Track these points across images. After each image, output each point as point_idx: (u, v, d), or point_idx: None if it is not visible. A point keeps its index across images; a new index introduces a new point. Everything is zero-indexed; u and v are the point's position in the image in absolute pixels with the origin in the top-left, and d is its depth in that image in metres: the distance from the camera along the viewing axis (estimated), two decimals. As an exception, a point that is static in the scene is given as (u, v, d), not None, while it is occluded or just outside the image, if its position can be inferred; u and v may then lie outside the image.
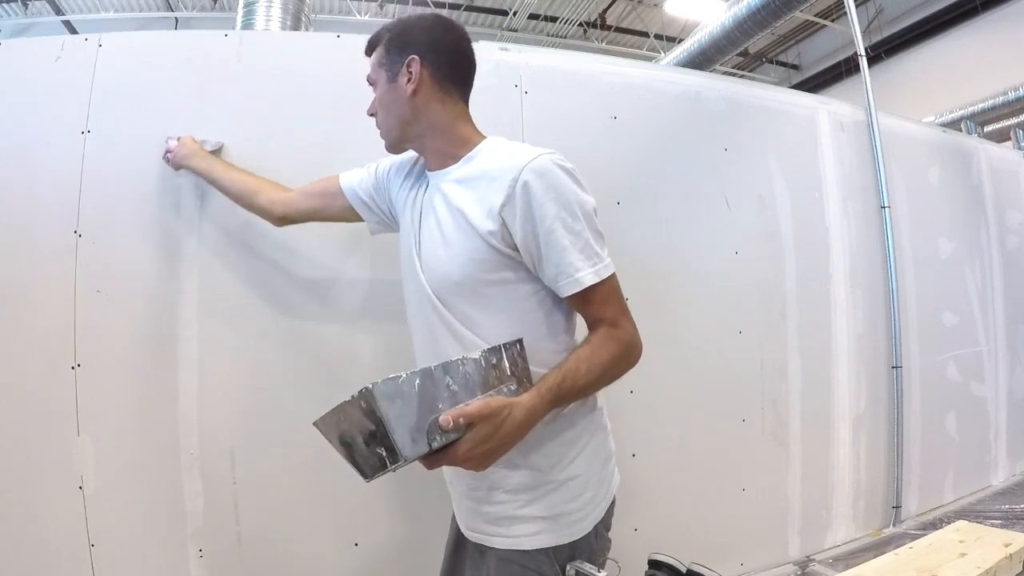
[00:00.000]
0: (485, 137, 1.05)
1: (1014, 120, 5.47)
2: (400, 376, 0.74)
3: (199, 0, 7.18)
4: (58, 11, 6.75)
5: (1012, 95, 5.41)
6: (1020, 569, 1.23)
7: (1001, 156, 2.98)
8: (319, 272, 1.55)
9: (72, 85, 1.46)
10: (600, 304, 0.95)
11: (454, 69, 1.04)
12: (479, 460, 0.83)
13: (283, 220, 1.33)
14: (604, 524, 1.06)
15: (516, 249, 0.94)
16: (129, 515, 1.41)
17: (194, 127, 1.50)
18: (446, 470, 1.07)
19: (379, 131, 1.09)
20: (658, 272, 1.88)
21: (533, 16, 7.75)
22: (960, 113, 5.80)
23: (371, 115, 1.10)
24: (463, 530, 1.09)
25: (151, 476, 1.42)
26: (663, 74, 2.13)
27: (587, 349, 0.94)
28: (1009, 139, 5.39)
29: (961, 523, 1.44)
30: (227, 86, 1.54)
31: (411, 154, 1.15)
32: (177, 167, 1.41)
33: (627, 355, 0.97)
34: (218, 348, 1.47)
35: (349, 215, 1.26)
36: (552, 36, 8.04)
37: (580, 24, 7.95)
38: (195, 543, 1.44)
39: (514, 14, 7.64)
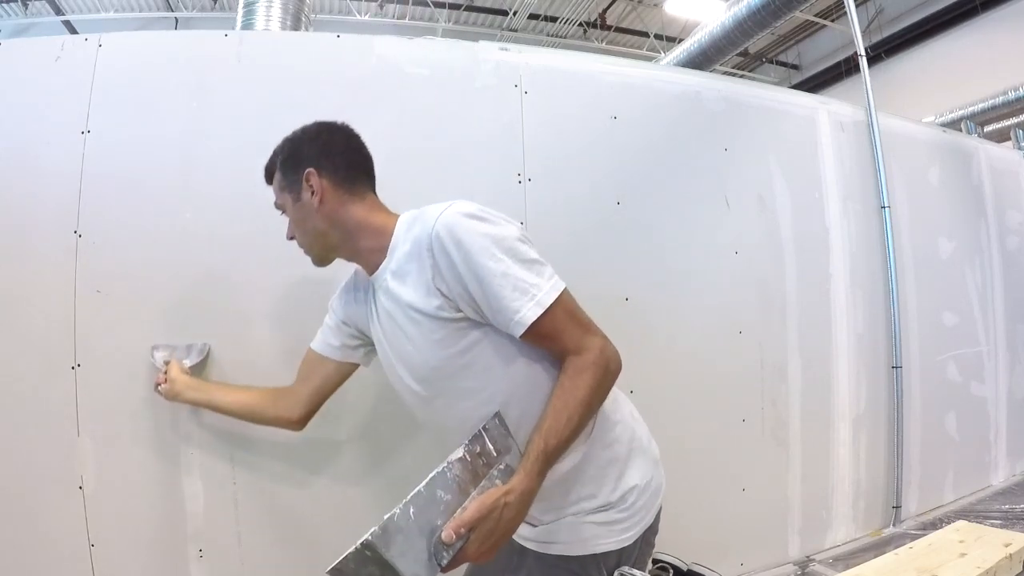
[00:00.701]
0: (398, 216, 1.04)
1: (1014, 120, 5.47)
2: (394, 513, 0.74)
3: (199, 0, 7.18)
4: (58, 11, 6.75)
5: (1012, 95, 5.41)
6: (1020, 569, 1.23)
7: (1001, 156, 2.98)
8: (319, 272, 1.55)
9: (72, 85, 1.46)
10: (556, 334, 0.92)
11: (351, 167, 1.06)
12: (489, 553, 0.84)
13: (303, 420, 1.26)
14: (652, 530, 1.07)
15: (465, 310, 0.94)
16: (129, 515, 1.41)
17: (194, 127, 1.51)
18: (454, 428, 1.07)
19: (303, 251, 1.10)
20: (658, 272, 1.88)
21: (533, 16, 7.75)
22: (960, 113, 5.80)
23: (290, 239, 1.11)
24: None
25: (151, 476, 1.42)
26: (663, 74, 2.13)
27: (560, 396, 0.91)
28: (1009, 139, 5.39)
29: (961, 523, 1.44)
30: (227, 86, 1.54)
31: (350, 274, 1.18)
32: (172, 400, 1.34)
33: (603, 376, 0.93)
34: (218, 348, 1.47)
35: (346, 368, 1.22)
36: (552, 36, 8.04)
37: (580, 24, 7.94)
38: (195, 543, 1.44)
39: (514, 14, 7.64)
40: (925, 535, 1.40)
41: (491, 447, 0.90)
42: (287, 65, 1.59)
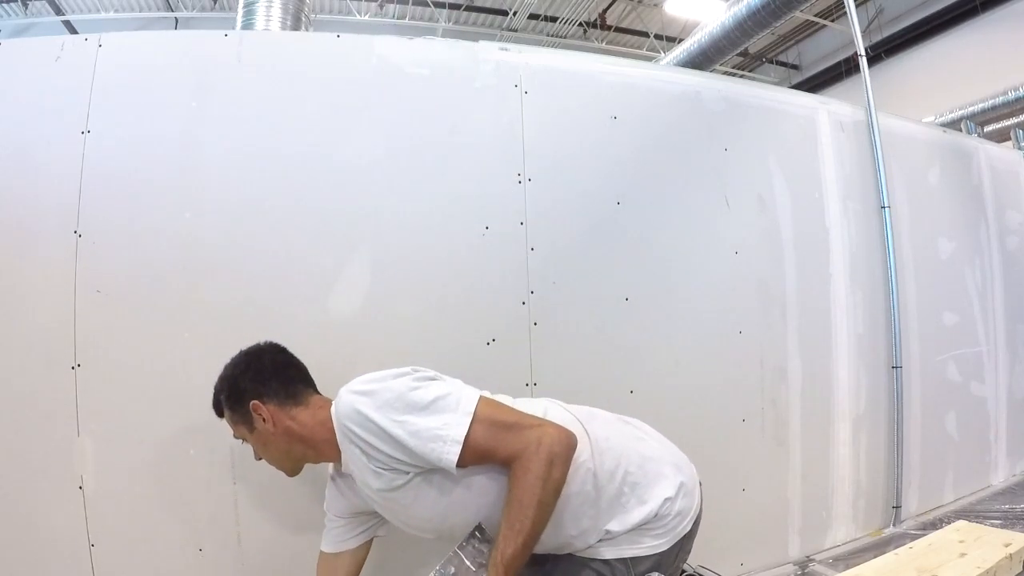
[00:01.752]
0: (331, 405, 1.08)
1: (1014, 120, 5.46)
2: None
3: (199, 0, 7.17)
4: (58, 11, 6.75)
5: (1012, 95, 5.40)
6: (1020, 569, 1.23)
7: (1001, 156, 2.98)
8: (320, 272, 1.55)
9: (72, 85, 1.46)
10: (488, 450, 0.96)
11: (288, 382, 1.11)
12: None
13: None
14: (690, 538, 1.09)
15: (410, 468, 0.98)
16: (129, 515, 1.41)
17: (194, 127, 1.51)
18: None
19: (275, 468, 1.15)
20: (658, 272, 1.88)
21: (533, 16, 7.74)
22: (960, 113, 5.79)
23: (259, 459, 1.16)
24: None
25: (151, 476, 1.42)
26: (663, 74, 2.13)
27: (510, 504, 0.94)
28: (1009, 139, 5.39)
29: (961, 523, 1.44)
30: (227, 86, 1.54)
31: (329, 471, 1.21)
32: None
33: (547, 468, 0.93)
34: (218, 348, 1.47)
35: (363, 550, 1.24)
36: (552, 36, 8.03)
37: (580, 24, 7.94)
38: (195, 543, 1.44)
39: (514, 14, 7.63)
40: (925, 535, 1.40)
41: (468, 563, 0.96)
42: (287, 65, 1.59)
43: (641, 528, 1.03)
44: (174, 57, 1.53)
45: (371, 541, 1.24)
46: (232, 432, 1.14)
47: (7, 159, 1.42)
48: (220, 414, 1.15)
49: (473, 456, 0.95)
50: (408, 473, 0.99)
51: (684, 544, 1.08)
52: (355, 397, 0.98)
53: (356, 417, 0.97)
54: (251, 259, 1.50)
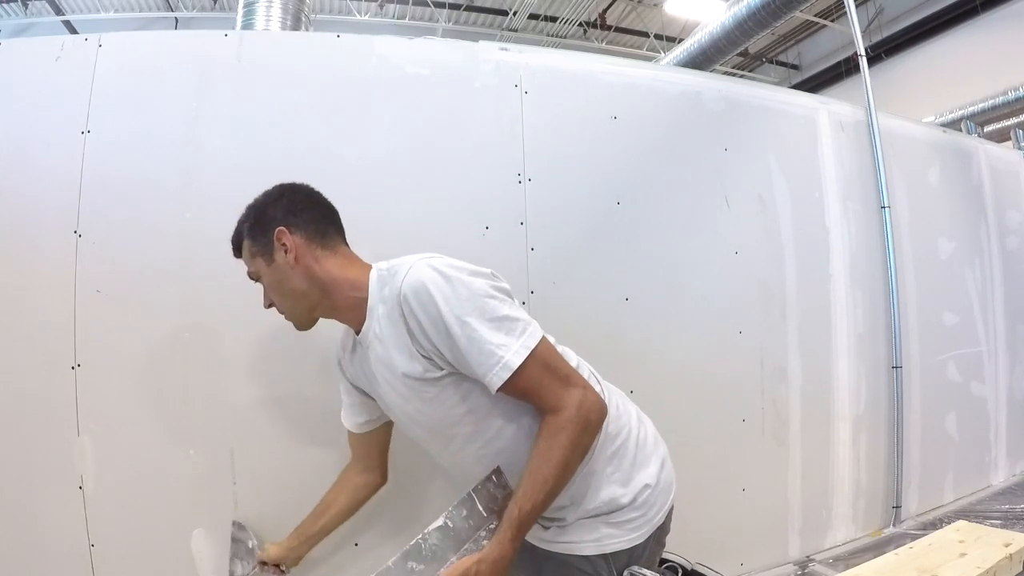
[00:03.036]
0: (371, 267, 1.03)
1: (1014, 120, 5.47)
2: None
3: (199, 0, 7.17)
4: (58, 11, 6.75)
5: (1012, 95, 5.40)
6: (1020, 569, 1.22)
7: (1001, 156, 2.98)
8: (319, 272, 1.55)
9: (72, 85, 1.46)
10: (531, 392, 0.93)
11: (320, 221, 1.05)
12: None
13: (385, 476, 1.29)
14: (663, 530, 1.08)
15: (447, 367, 0.95)
16: (129, 515, 1.41)
17: (194, 127, 1.50)
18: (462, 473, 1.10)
19: (284, 317, 1.08)
20: (658, 272, 1.88)
21: (533, 16, 7.74)
22: (960, 113, 5.79)
23: (268, 307, 1.09)
24: None
25: (151, 476, 1.42)
26: (663, 74, 2.13)
27: (536, 458, 0.92)
28: (1009, 139, 5.39)
29: (961, 523, 1.44)
30: (227, 86, 1.54)
31: (343, 336, 1.16)
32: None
33: (581, 433, 0.92)
34: (218, 348, 1.47)
35: (387, 428, 1.22)
36: (552, 36, 8.04)
37: (580, 24, 7.94)
38: (195, 543, 1.44)
39: (514, 14, 7.63)
40: (925, 535, 1.40)
41: (480, 508, 0.92)
42: (287, 65, 1.59)
43: (617, 515, 1.01)
44: (174, 57, 1.53)
45: (388, 421, 1.19)
46: (248, 270, 1.07)
47: (7, 159, 1.42)
48: (237, 249, 1.07)
49: (515, 390, 0.92)
50: (443, 370, 0.95)
51: (658, 536, 1.07)
52: (429, 273, 0.91)
53: (422, 294, 0.90)
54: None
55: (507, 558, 0.90)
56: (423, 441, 1.09)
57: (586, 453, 0.95)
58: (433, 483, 1.55)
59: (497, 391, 0.92)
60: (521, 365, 0.90)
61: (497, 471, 0.96)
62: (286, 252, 1.00)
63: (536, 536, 1.07)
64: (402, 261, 0.97)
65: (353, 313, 1.02)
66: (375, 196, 1.60)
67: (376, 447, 1.23)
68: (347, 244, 1.08)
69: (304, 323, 1.08)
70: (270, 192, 1.06)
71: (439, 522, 0.88)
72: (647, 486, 1.04)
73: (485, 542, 0.91)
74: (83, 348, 1.39)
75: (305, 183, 1.08)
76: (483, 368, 0.91)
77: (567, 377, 0.95)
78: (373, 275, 1.00)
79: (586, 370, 1.10)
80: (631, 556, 1.02)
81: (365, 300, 1.00)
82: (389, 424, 1.21)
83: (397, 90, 1.64)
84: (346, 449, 1.53)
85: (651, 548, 1.05)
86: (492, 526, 0.92)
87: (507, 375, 0.90)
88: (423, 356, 0.94)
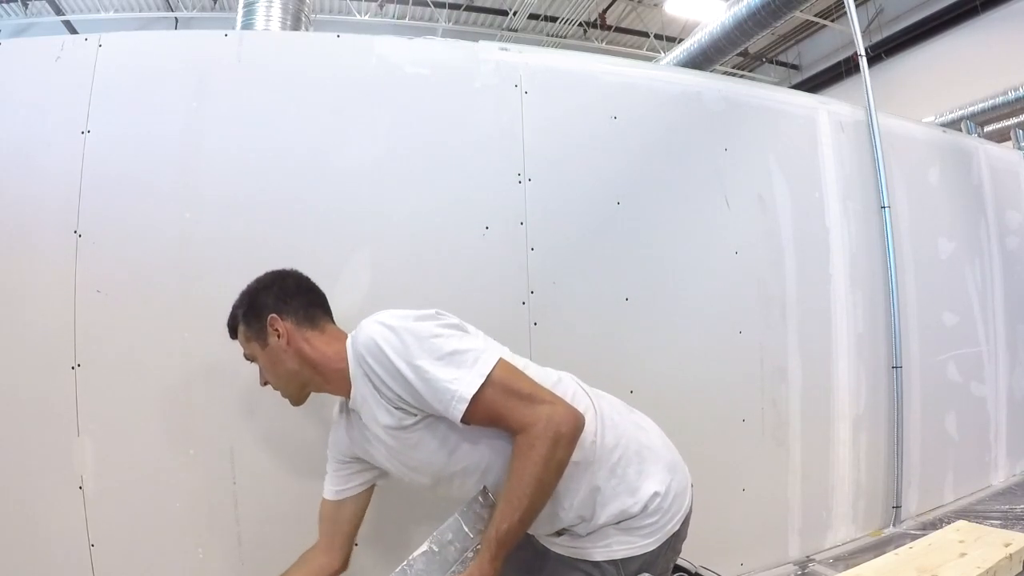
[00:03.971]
0: (347, 337, 1.07)
1: (1014, 120, 5.46)
2: None
3: (199, 0, 7.17)
4: (58, 11, 6.75)
5: (1012, 95, 5.40)
6: (1020, 569, 1.22)
7: (1001, 156, 2.98)
8: (319, 272, 1.55)
9: (72, 85, 1.46)
10: (495, 416, 0.94)
11: (308, 305, 1.12)
12: None
13: (346, 563, 1.23)
14: (679, 536, 1.08)
15: (418, 411, 0.98)
16: (129, 515, 1.41)
17: (194, 127, 1.50)
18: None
19: (281, 395, 1.13)
20: (658, 272, 1.88)
21: (533, 16, 7.74)
22: (960, 113, 5.79)
23: (264, 385, 1.14)
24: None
25: (151, 476, 1.42)
26: (663, 74, 2.13)
27: (511, 479, 0.93)
28: (1009, 139, 5.39)
29: (961, 523, 1.44)
30: (227, 86, 1.54)
31: (336, 409, 1.19)
32: None
33: (552, 447, 0.92)
34: (218, 348, 1.47)
35: (367, 495, 1.22)
36: (552, 36, 8.04)
37: (580, 24, 7.94)
38: (195, 543, 1.44)
39: (514, 14, 7.63)
40: (925, 535, 1.40)
41: (467, 530, 0.94)
42: (287, 65, 1.59)
43: (628, 523, 1.01)
44: (174, 57, 1.53)
45: (372, 489, 1.21)
46: (245, 353, 1.13)
47: (7, 159, 1.42)
48: (234, 332, 1.14)
49: (481, 417, 0.94)
50: (416, 415, 0.98)
51: (673, 544, 1.06)
52: (377, 328, 0.98)
53: (373, 350, 0.96)
54: (251, 259, 1.49)
55: None
56: (431, 490, 1.11)
57: (561, 466, 0.94)
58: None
59: (461, 422, 0.94)
60: (477, 394, 0.93)
61: (483, 491, 0.98)
62: (279, 336, 1.07)
63: (546, 539, 1.08)
64: (359, 325, 1.03)
65: (342, 384, 1.06)
66: (375, 196, 1.60)
67: (347, 524, 1.21)
68: (334, 322, 1.15)
69: (297, 400, 1.14)
70: (262, 279, 1.14)
71: (424, 547, 0.91)
72: (656, 494, 1.03)
73: (472, 562, 0.93)
74: (83, 348, 1.39)
75: (294, 270, 1.16)
76: (442, 404, 0.94)
77: (531, 395, 0.95)
78: (348, 343, 1.05)
79: (571, 384, 1.10)
80: (644, 563, 1.02)
81: (348, 372, 1.04)
82: (365, 499, 1.21)
83: (397, 90, 1.64)
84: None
85: (665, 555, 1.05)
86: (479, 547, 0.93)
87: (464, 406, 0.93)
88: (394, 407, 0.98)
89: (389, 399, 0.98)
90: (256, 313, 1.09)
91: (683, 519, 1.07)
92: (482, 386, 0.93)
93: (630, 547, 1.01)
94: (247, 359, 1.14)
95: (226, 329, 1.15)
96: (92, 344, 1.40)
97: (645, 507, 1.02)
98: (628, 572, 1.00)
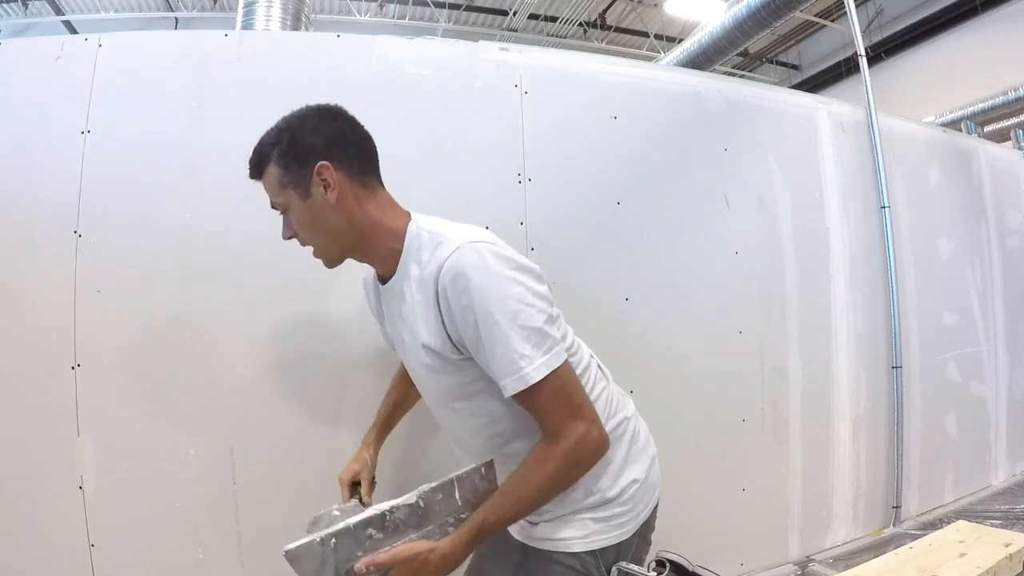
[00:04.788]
0: (409, 216, 0.99)
1: (1014, 120, 5.47)
2: (315, 538, 0.81)
3: (199, 0, 7.18)
4: (58, 11, 6.75)
5: (1012, 95, 5.41)
6: (1020, 569, 1.22)
7: (1001, 156, 2.98)
8: (319, 273, 1.54)
9: (72, 85, 1.46)
10: (539, 411, 0.90)
11: (364, 158, 0.96)
12: None
13: None
14: (649, 526, 1.09)
15: (468, 353, 0.93)
16: (129, 515, 1.41)
17: (194, 127, 1.50)
18: (463, 445, 1.10)
19: (312, 252, 1.02)
20: (658, 272, 1.88)
21: (533, 16, 7.75)
22: (960, 113, 5.79)
23: (289, 238, 1.00)
24: None
25: (151, 476, 1.42)
26: (663, 74, 2.13)
27: (518, 475, 0.91)
28: (1009, 139, 5.39)
29: (961, 523, 1.44)
30: (227, 86, 1.54)
31: (366, 274, 1.14)
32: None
33: (571, 468, 0.91)
34: (218, 348, 1.47)
35: None
36: (552, 36, 8.04)
37: (580, 24, 7.94)
38: (195, 543, 1.44)
39: (514, 14, 7.64)
40: (925, 535, 1.40)
41: (457, 496, 0.91)
42: (287, 65, 1.59)
43: (603, 509, 1.01)
44: (174, 57, 1.53)
45: None
46: (271, 199, 0.97)
47: (7, 159, 1.42)
48: (258, 171, 0.96)
49: (524, 402, 0.90)
50: (462, 354, 0.92)
51: (644, 532, 1.07)
52: (474, 260, 0.86)
53: (459, 281, 0.86)
54: (251, 259, 1.50)
55: (457, 557, 0.88)
56: (428, 403, 1.08)
57: (568, 486, 0.94)
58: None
59: (514, 396, 0.90)
60: (536, 383, 0.87)
61: (488, 464, 0.94)
62: (326, 190, 0.91)
63: (523, 533, 1.07)
64: (448, 234, 0.92)
65: (386, 262, 0.98)
66: (375, 196, 1.60)
67: None
68: (384, 185, 1.01)
69: (334, 262, 1.02)
70: (308, 114, 0.94)
71: (411, 499, 0.87)
72: (635, 480, 1.04)
73: (450, 529, 0.90)
74: (83, 348, 1.39)
75: (345, 110, 0.99)
76: (500, 371, 0.88)
77: (579, 407, 0.92)
78: (412, 228, 0.95)
79: (594, 366, 1.10)
80: (618, 552, 1.02)
81: (399, 252, 0.96)
82: None
83: (397, 90, 1.64)
84: (345, 450, 1.53)
85: (637, 544, 1.06)
86: (463, 516, 0.91)
87: (522, 387, 0.88)
88: (448, 337, 0.91)
89: (446, 329, 0.90)
90: (300, 156, 0.91)
91: (653, 508, 1.09)
92: (545, 377, 0.88)
93: (606, 536, 1.01)
94: (274, 207, 0.99)
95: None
96: (92, 344, 1.40)
97: (621, 493, 1.02)
98: (606, 562, 1.01)
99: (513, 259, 0.91)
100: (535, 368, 0.87)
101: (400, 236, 0.96)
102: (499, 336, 0.86)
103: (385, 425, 1.32)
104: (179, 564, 1.43)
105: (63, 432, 1.38)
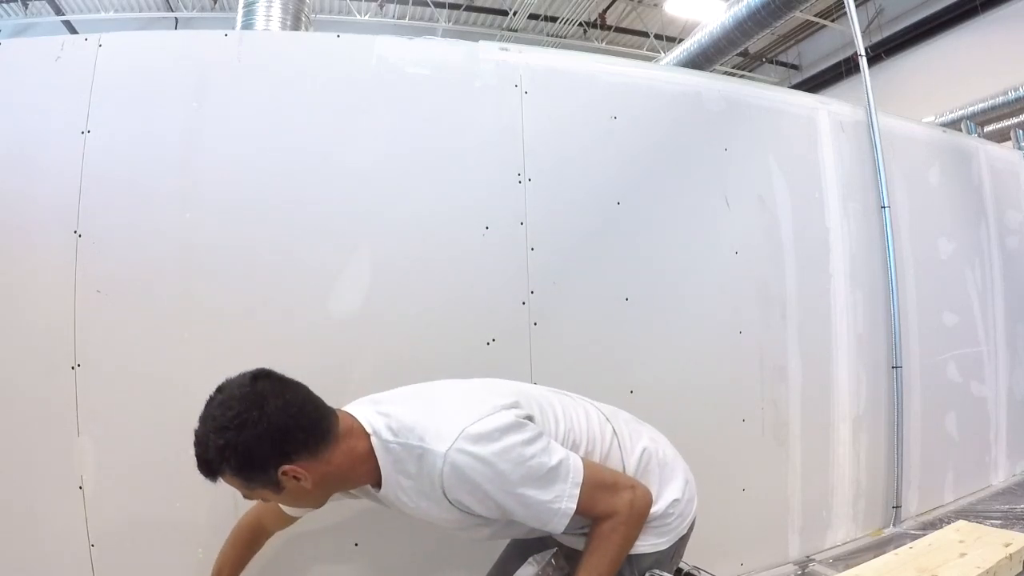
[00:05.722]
0: (366, 435, 0.96)
1: (1014, 120, 5.46)
2: None
3: (199, 0, 7.17)
4: (58, 11, 6.75)
5: (1012, 95, 5.40)
6: (1020, 569, 1.22)
7: (1001, 156, 2.98)
8: (319, 273, 1.55)
9: (72, 85, 1.46)
10: (584, 511, 0.96)
11: (312, 431, 0.91)
12: None
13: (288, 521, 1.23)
14: (684, 541, 1.13)
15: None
16: (129, 515, 1.41)
17: (194, 127, 1.50)
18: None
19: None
20: (658, 272, 1.88)
21: (533, 16, 7.74)
22: (960, 113, 5.79)
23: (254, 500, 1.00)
24: None
25: (151, 476, 1.42)
26: (663, 74, 2.13)
27: (594, 555, 0.97)
28: (1009, 139, 5.38)
29: (961, 523, 1.44)
30: (227, 86, 1.54)
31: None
32: None
33: (634, 529, 0.99)
34: (218, 348, 1.47)
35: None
36: (552, 36, 8.04)
37: (580, 24, 7.94)
38: (195, 543, 1.44)
39: (514, 14, 7.63)
40: (925, 535, 1.40)
41: None
42: (287, 65, 1.59)
43: (648, 523, 1.05)
44: (174, 57, 1.53)
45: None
46: (241, 493, 0.95)
47: (7, 159, 1.42)
48: (212, 478, 0.91)
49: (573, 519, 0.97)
50: (497, 520, 0.98)
51: (680, 546, 1.12)
52: (468, 462, 0.89)
53: (466, 484, 0.90)
54: (251, 259, 1.50)
55: None
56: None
57: (634, 542, 1.01)
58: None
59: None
60: (577, 492, 0.94)
61: (556, 553, 1.03)
62: (300, 481, 0.90)
63: (569, 540, 1.11)
64: (419, 440, 0.92)
65: (372, 477, 0.98)
66: (375, 196, 1.60)
67: (285, 522, 1.22)
68: (329, 410, 0.97)
69: (320, 507, 1.05)
70: (241, 420, 0.87)
71: None
72: (676, 500, 1.09)
73: None
74: (83, 348, 1.39)
75: (252, 376, 0.95)
76: (541, 522, 0.94)
77: (613, 484, 0.99)
78: (377, 446, 0.95)
79: (596, 426, 1.10)
80: (656, 561, 1.06)
81: (375, 467, 0.96)
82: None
83: (397, 90, 1.64)
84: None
85: (672, 557, 1.10)
86: None
87: (567, 520, 0.94)
88: (470, 518, 0.97)
89: (470, 516, 0.96)
90: (257, 467, 0.89)
91: (692, 522, 1.13)
92: (579, 495, 0.94)
93: (645, 544, 1.04)
94: (249, 499, 0.99)
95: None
96: (92, 344, 1.40)
97: (665, 511, 1.07)
98: (641, 569, 1.05)
99: (490, 429, 0.92)
100: (568, 498, 0.94)
101: (369, 457, 0.96)
102: (525, 500, 0.92)
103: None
104: (179, 564, 1.43)
105: (63, 432, 1.38)
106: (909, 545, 1.32)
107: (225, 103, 1.53)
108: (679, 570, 1.02)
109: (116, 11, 7.03)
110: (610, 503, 0.97)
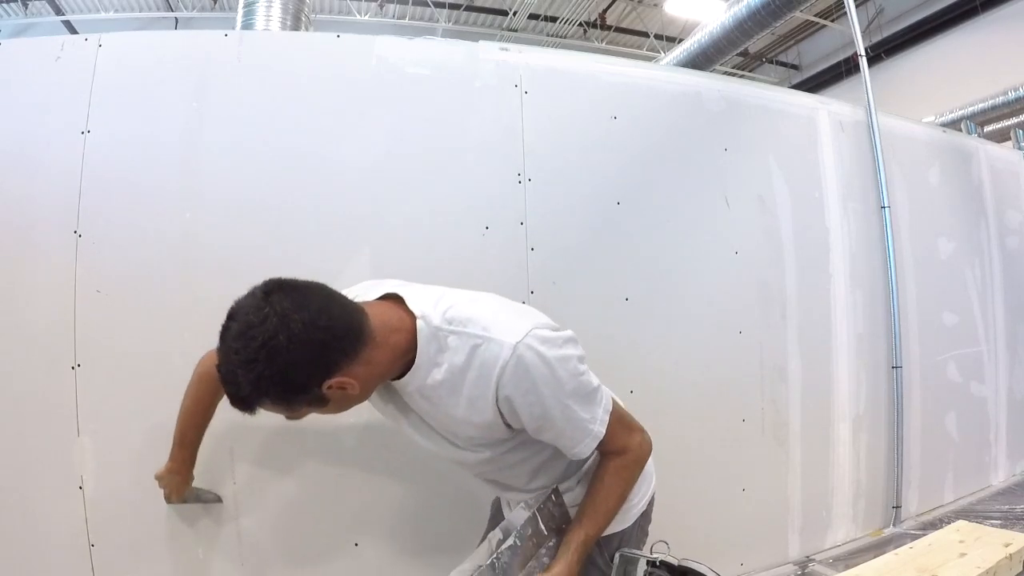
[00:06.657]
0: (412, 317, 0.90)
1: (1014, 120, 5.47)
2: None
3: (199, 0, 7.18)
4: (58, 11, 6.75)
5: (1012, 95, 5.41)
6: (1020, 569, 1.23)
7: (1001, 156, 2.97)
8: (320, 272, 1.54)
9: (72, 85, 1.46)
10: (605, 443, 0.98)
11: (352, 335, 0.84)
12: None
13: None
14: (646, 517, 1.16)
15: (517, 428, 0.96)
16: (129, 515, 1.41)
17: (194, 127, 1.51)
18: (494, 483, 1.14)
19: None
20: (658, 272, 1.88)
21: (533, 16, 7.75)
22: (960, 113, 5.79)
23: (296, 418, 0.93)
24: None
25: (151, 476, 1.42)
26: (663, 74, 2.13)
27: (601, 491, 1.00)
28: (1009, 139, 5.38)
29: (961, 523, 1.44)
30: (227, 86, 1.54)
31: None
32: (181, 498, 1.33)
33: (638, 471, 1.04)
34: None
35: None
36: (552, 36, 8.04)
37: (580, 24, 7.94)
38: (195, 543, 1.44)
39: (514, 14, 7.64)
40: (925, 535, 1.40)
41: (542, 527, 1.00)
42: (287, 65, 1.59)
43: None
44: (174, 57, 1.53)
45: None
46: (284, 416, 0.90)
47: (7, 159, 1.42)
48: (251, 411, 0.85)
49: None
50: (514, 435, 0.97)
51: (641, 523, 1.14)
52: (534, 361, 0.86)
53: (524, 382, 0.86)
54: (251, 259, 1.50)
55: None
56: (457, 466, 1.08)
57: (635, 485, 1.05)
58: (431, 483, 1.55)
59: None
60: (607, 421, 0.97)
61: (556, 491, 1.03)
62: (346, 389, 0.84)
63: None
64: (482, 330, 0.88)
65: (396, 372, 0.93)
66: (375, 196, 1.60)
67: None
68: (363, 311, 0.88)
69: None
70: (275, 349, 0.78)
71: (509, 541, 0.94)
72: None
73: (545, 559, 0.98)
74: (83, 348, 1.39)
75: (267, 289, 0.87)
76: (572, 440, 0.95)
77: (630, 425, 1.03)
78: (422, 332, 0.89)
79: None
80: (621, 540, 1.09)
81: (413, 358, 0.91)
82: None
83: (397, 90, 1.64)
84: (344, 453, 1.53)
85: (636, 534, 1.13)
86: (551, 544, 0.99)
87: (596, 444, 0.96)
88: (504, 426, 0.94)
89: (505, 423, 0.92)
90: (298, 391, 0.82)
91: (650, 500, 1.16)
92: (608, 422, 0.97)
93: (611, 525, 1.06)
94: (291, 419, 0.93)
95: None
96: (92, 344, 1.40)
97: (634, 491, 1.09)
98: (609, 549, 1.07)
99: (555, 336, 0.92)
100: (600, 423, 0.96)
101: (411, 347, 0.90)
102: (569, 413, 0.92)
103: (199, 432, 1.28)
104: (179, 564, 1.43)
105: (63, 432, 1.38)
106: (909, 545, 1.33)
107: (225, 103, 1.53)
108: (667, 565, 1.02)
109: (116, 11, 7.04)
110: (624, 440, 1.00)
